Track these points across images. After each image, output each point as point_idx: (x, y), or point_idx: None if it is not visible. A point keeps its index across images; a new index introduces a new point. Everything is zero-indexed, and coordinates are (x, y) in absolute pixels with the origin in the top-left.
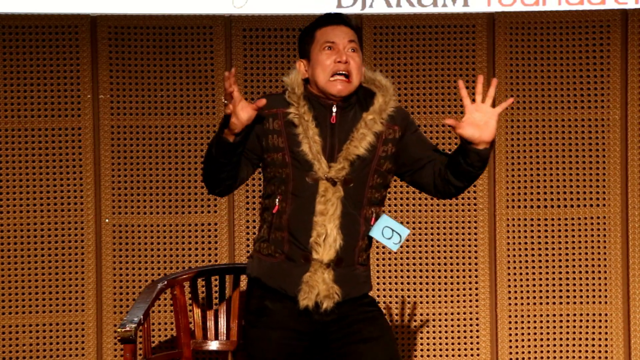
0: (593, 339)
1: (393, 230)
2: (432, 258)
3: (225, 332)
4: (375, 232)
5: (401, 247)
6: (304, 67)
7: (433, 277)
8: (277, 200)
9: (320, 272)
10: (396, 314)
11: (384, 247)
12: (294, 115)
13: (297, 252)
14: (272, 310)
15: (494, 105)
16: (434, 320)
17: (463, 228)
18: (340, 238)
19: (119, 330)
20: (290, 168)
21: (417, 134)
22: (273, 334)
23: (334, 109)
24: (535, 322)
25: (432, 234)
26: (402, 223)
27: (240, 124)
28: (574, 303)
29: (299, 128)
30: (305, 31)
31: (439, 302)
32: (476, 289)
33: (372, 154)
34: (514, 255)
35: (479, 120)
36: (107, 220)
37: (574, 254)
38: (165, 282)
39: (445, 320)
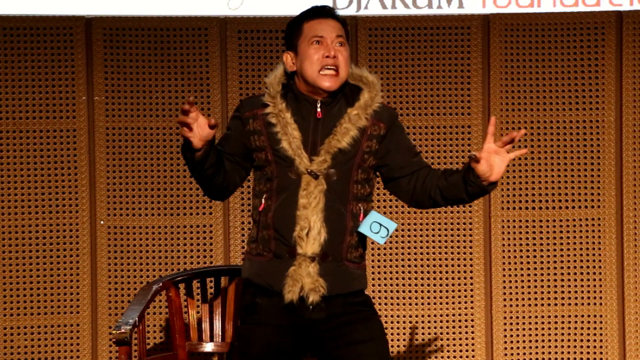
0: (588, 340)
1: (381, 224)
2: (428, 259)
3: (220, 334)
4: (364, 228)
5: (389, 241)
6: (291, 60)
7: (428, 278)
8: (263, 198)
9: (305, 266)
10: (391, 315)
11: (372, 242)
12: (271, 115)
13: (283, 248)
14: (261, 307)
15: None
16: (429, 321)
17: (458, 229)
18: (325, 231)
19: (114, 332)
20: (274, 165)
21: (404, 139)
22: (262, 330)
23: (319, 105)
24: (530, 323)
25: (427, 235)
26: (391, 219)
27: (199, 140)
28: (569, 304)
29: (277, 126)
30: (292, 23)
31: (434, 303)
32: (471, 290)
33: (355, 149)
34: (509, 257)
35: (494, 162)
36: (102, 222)
37: (568, 255)
38: (161, 284)
39: (440, 321)
